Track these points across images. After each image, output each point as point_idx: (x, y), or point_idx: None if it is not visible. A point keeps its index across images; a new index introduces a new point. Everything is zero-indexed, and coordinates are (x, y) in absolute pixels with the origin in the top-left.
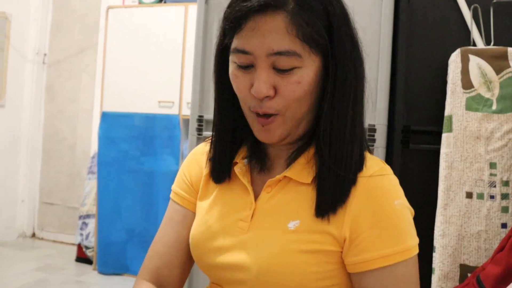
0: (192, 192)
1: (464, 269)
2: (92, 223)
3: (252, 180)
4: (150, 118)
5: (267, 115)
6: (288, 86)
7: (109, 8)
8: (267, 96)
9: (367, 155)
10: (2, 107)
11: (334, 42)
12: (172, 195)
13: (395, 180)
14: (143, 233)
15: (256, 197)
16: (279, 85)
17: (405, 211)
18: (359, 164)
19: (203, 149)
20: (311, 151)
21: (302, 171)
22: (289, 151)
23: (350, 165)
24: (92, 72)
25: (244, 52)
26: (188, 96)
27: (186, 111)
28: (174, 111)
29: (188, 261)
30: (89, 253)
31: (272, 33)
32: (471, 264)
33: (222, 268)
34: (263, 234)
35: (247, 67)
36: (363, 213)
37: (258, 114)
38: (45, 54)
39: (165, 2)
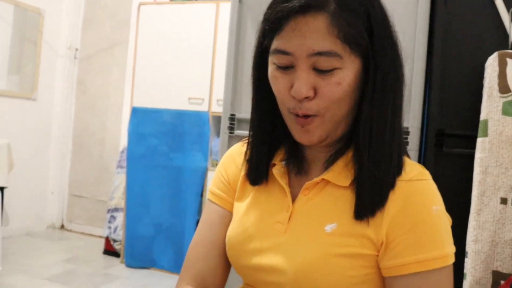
0: (230, 191)
1: (497, 276)
2: (120, 217)
3: (290, 182)
4: (179, 115)
5: (306, 116)
6: (328, 87)
7: (140, 4)
8: (306, 97)
9: (406, 160)
10: (34, 100)
11: (374, 44)
12: (209, 196)
13: (433, 186)
14: (170, 228)
15: (293, 199)
16: (319, 86)
17: (442, 218)
18: (398, 168)
19: (240, 149)
20: (349, 154)
21: (340, 174)
22: (327, 154)
23: (389, 168)
24: (123, 67)
25: (284, 52)
26: (218, 93)
27: (216, 108)
28: (203, 108)
29: (228, 262)
30: (116, 246)
31: (313, 34)
32: (504, 271)
33: (258, 270)
34: (300, 236)
35: (286, 68)
36: (400, 216)
37: (297, 115)
38: (76, 49)
39: (196, 0)
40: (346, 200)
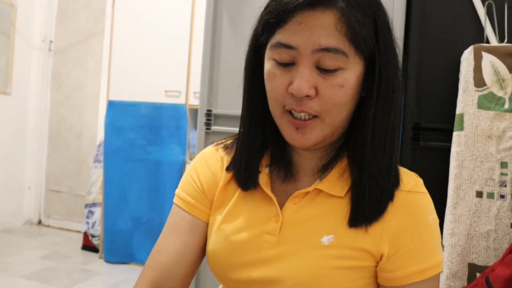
0: (204, 201)
1: (473, 269)
2: (98, 212)
3: (275, 189)
4: (157, 107)
5: (304, 118)
6: (330, 89)
7: None
8: (307, 96)
9: (400, 168)
10: (9, 95)
11: (380, 48)
12: (177, 201)
13: (429, 197)
14: (149, 222)
15: (279, 208)
16: (321, 87)
17: (437, 226)
18: (396, 178)
19: (214, 154)
20: (343, 162)
21: (336, 183)
22: (317, 160)
23: (388, 177)
24: (99, 59)
25: (288, 46)
26: (195, 85)
27: (193, 101)
28: (181, 100)
29: (191, 272)
30: (95, 241)
31: (320, 29)
32: (479, 264)
33: (252, 284)
34: (295, 248)
35: (287, 65)
36: (402, 229)
37: (293, 116)
38: (51, 41)
39: None
40: (341, 211)
